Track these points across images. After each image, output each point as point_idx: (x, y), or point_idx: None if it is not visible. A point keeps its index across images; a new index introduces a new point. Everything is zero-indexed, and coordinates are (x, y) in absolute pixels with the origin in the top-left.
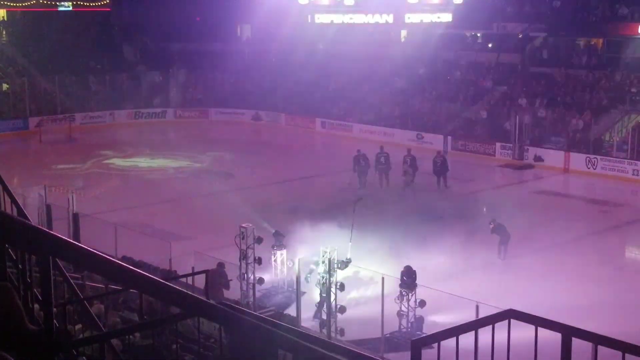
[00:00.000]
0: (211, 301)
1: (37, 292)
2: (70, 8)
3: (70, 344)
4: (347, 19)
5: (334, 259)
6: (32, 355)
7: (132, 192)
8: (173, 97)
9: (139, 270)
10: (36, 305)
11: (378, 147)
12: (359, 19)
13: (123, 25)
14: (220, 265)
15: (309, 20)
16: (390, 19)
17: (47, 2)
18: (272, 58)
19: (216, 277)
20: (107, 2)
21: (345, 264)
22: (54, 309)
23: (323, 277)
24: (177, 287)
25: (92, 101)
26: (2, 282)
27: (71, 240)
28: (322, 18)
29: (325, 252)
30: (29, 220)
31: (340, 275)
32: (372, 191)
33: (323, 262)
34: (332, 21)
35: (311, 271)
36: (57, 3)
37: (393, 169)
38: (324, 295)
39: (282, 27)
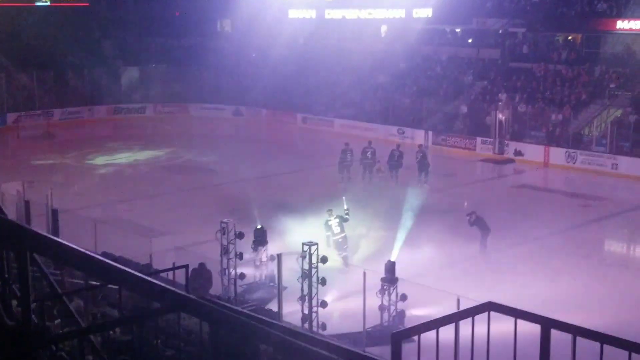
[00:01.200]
0: (191, 296)
1: (15, 287)
2: (48, 3)
3: (49, 340)
4: (326, 13)
5: (314, 254)
6: (10, 350)
7: (112, 188)
8: (152, 93)
9: (117, 265)
10: (14, 301)
11: (365, 142)
12: (338, 13)
13: (102, 20)
14: (202, 265)
15: (289, 15)
16: (370, 13)
17: None
18: (252, 53)
19: (198, 277)
20: None
21: (347, 214)
22: (33, 305)
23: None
24: (157, 282)
25: (71, 97)
26: None
27: (49, 235)
28: (302, 13)
29: (307, 248)
30: (6, 215)
31: (322, 269)
32: (354, 185)
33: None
34: (312, 16)
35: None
36: None
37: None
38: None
39: (262, 22)
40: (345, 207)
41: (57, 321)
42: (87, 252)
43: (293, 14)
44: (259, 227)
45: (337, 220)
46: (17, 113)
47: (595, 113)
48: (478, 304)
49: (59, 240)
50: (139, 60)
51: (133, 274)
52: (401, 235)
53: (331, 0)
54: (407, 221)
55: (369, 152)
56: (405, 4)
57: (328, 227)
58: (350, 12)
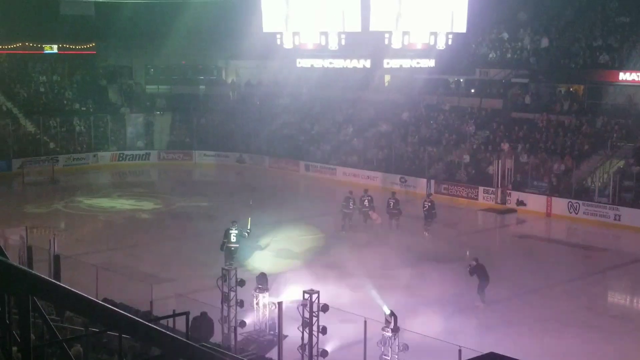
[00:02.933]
0: (190, 342)
1: (15, 334)
2: (56, 51)
3: None
4: (331, 63)
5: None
6: None
7: (115, 234)
8: (157, 139)
9: (118, 310)
10: (15, 348)
11: (362, 191)
12: (342, 63)
13: (108, 68)
14: (204, 313)
15: (294, 64)
16: (373, 64)
17: (33, 45)
18: (256, 101)
19: (200, 325)
20: (92, 46)
21: (248, 232)
22: (32, 351)
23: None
24: (157, 328)
25: (76, 143)
26: None
27: (51, 279)
28: (306, 62)
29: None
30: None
31: (322, 318)
32: (355, 233)
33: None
34: (316, 65)
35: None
36: (43, 46)
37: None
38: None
39: (267, 71)
40: (249, 226)
41: None
42: (88, 296)
43: (299, 63)
44: (260, 273)
45: (237, 232)
46: (23, 159)
47: (597, 164)
48: (480, 354)
49: (60, 284)
50: (144, 107)
51: (133, 319)
52: (402, 284)
53: (336, 50)
54: (408, 269)
55: (366, 200)
56: (409, 55)
57: (227, 234)
58: (354, 61)
